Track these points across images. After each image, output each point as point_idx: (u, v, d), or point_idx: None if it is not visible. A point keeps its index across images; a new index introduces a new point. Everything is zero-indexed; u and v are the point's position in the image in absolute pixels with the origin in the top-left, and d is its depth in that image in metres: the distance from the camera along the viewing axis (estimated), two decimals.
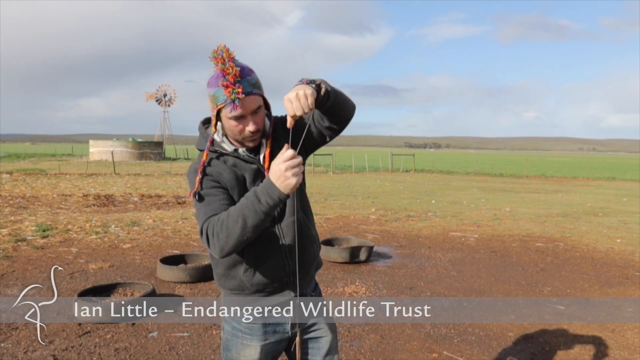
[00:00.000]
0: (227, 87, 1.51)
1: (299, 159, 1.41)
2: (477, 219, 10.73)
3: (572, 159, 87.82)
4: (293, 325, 1.82)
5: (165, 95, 69.77)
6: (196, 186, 1.63)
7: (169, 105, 71.16)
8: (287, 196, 1.43)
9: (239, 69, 1.52)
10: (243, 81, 1.53)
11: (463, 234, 8.77)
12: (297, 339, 1.79)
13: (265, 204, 1.44)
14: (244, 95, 1.52)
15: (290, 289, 1.78)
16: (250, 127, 1.60)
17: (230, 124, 1.61)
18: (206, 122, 1.79)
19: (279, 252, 1.72)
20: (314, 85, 1.47)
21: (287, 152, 1.40)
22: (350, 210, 11.63)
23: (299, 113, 1.41)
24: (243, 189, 1.68)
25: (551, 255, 7.20)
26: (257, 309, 1.77)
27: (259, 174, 1.70)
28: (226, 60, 1.50)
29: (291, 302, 1.80)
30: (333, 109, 1.59)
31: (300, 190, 1.79)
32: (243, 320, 1.79)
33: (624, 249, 7.67)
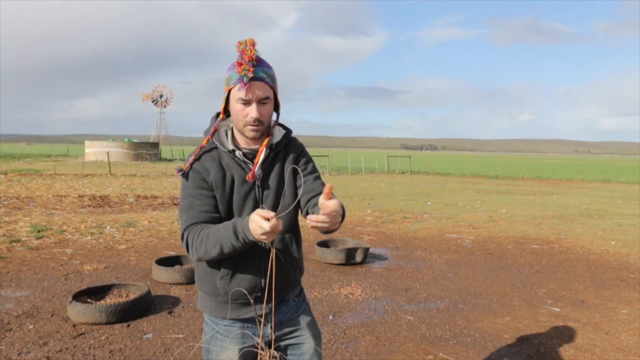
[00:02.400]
0: (240, 64, 1.57)
1: (280, 227, 1.42)
2: (472, 220, 10.75)
3: (567, 161, 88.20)
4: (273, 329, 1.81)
5: (161, 96, 69.57)
6: (186, 166, 1.69)
7: (165, 106, 70.94)
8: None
9: (257, 53, 1.59)
10: (258, 67, 1.59)
11: (459, 236, 8.79)
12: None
13: (242, 240, 1.52)
14: (253, 75, 1.56)
15: (264, 303, 1.75)
16: (253, 114, 1.61)
17: (236, 108, 1.63)
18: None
19: (258, 266, 1.71)
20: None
21: (268, 223, 1.39)
22: (346, 212, 11.63)
23: (326, 227, 1.45)
24: (229, 190, 1.68)
25: (546, 257, 7.23)
26: (232, 317, 1.76)
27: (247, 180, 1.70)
28: (248, 44, 1.58)
29: (266, 316, 1.77)
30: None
31: (294, 211, 1.77)
32: (220, 324, 1.78)
33: (619, 251, 7.70)
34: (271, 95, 1.64)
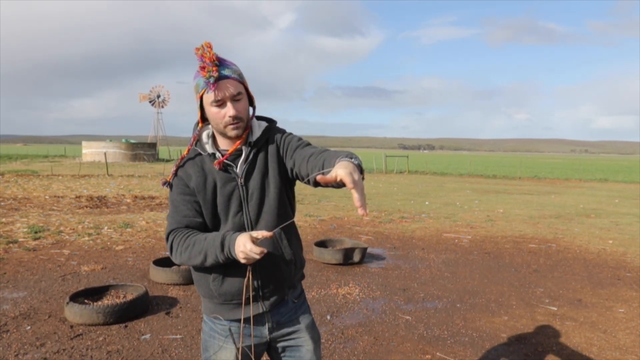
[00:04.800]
0: (203, 68, 1.57)
1: (259, 250, 1.48)
2: (470, 220, 10.77)
3: (564, 161, 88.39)
4: (271, 330, 1.81)
5: (158, 97, 69.48)
6: (169, 177, 1.73)
7: (162, 107, 70.86)
8: None
9: (216, 54, 1.59)
10: (221, 66, 1.60)
11: (456, 236, 8.80)
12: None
13: (226, 254, 1.57)
14: (218, 74, 1.57)
15: (260, 302, 1.76)
16: (230, 112, 1.60)
17: (212, 112, 1.63)
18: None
19: (248, 265, 1.70)
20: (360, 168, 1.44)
21: (252, 246, 1.48)
22: (344, 212, 11.63)
23: (361, 205, 1.33)
24: (211, 194, 1.69)
25: (544, 256, 7.24)
26: (229, 317, 1.77)
27: (231, 180, 1.70)
28: (205, 47, 1.58)
29: (264, 315, 1.78)
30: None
31: (282, 207, 1.74)
32: (218, 324, 1.80)
33: (616, 250, 7.72)
34: (242, 90, 1.64)
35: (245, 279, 1.63)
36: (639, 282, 5.89)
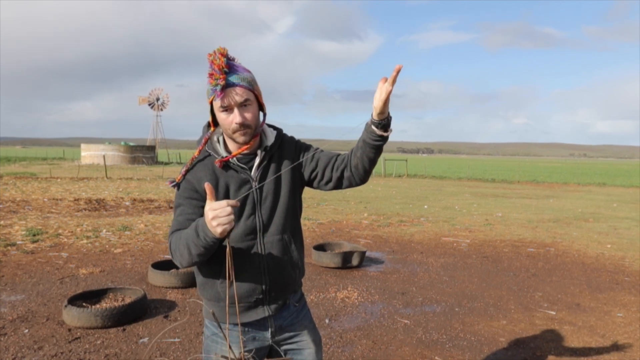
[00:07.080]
0: (211, 75, 1.57)
1: (227, 210, 1.38)
2: (469, 224, 10.77)
3: (563, 165, 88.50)
4: (273, 334, 1.81)
5: (157, 99, 69.45)
6: (178, 177, 1.71)
7: (161, 110, 70.81)
8: (221, 237, 1.44)
9: (225, 60, 1.58)
10: (231, 73, 1.59)
11: (455, 239, 8.80)
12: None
13: (203, 239, 1.48)
14: (224, 82, 1.56)
15: (265, 306, 1.77)
16: (237, 119, 1.61)
17: (221, 117, 1.64)
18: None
19: (257, 267, 1.71)
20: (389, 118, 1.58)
21: (217, 202, 1.40)
22: (343, 215, 11.64)
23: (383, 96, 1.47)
24: (223, 197, 1.69)
25: (542, 260, 7.24)
26: (234, 321, 1.75)
27: (245, 183, 1.70)
28: (217, 53, 1.58)
29: (267, 319, 1.79)
30: (376, 151, 1.62)
31: (293, 212, 1.80)
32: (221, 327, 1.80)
33: (614, 254, 7.73)
34: (251, 97, 1.64)
35: (227, 265, 1.55)
36: (637, 286, 5.90)
